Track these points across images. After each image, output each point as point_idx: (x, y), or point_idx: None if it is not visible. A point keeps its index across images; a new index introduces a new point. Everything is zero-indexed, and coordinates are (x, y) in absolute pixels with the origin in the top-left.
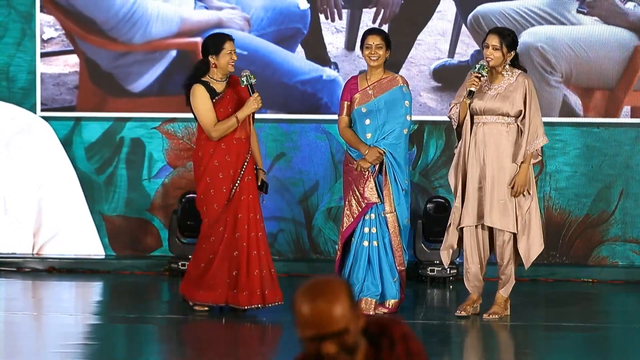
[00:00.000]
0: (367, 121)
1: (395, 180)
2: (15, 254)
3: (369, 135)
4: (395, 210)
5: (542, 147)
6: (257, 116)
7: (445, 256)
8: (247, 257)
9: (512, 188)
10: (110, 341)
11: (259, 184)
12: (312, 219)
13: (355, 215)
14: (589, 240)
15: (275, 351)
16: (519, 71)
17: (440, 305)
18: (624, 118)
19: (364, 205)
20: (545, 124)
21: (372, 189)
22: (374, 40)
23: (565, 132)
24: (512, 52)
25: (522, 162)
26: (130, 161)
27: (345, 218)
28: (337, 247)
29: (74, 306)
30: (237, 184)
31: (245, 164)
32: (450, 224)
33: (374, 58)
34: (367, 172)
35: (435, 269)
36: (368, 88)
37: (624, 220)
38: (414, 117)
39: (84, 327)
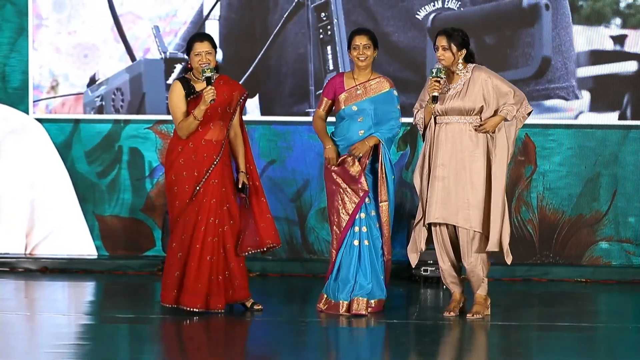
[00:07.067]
0: (360, 119)
1: (391, 170)
2: (8, 254)
3: (361, 132)
4: (388, 199)
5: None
6: (250, 117)
7: (413, 258)
8: (199, 260)
9: (481, 126)
10: (103, 341)
11: (240, 186)
12: (305, 219)
13: (350, 212)
14: (582, 240)
15: (269, 350)
16: (473, 65)
17: (433, 305)
18: (617, 119)
19: (357, 200)
20: (539, 125)
21: (364, 179)
22: (361, 41)
23: (559, 133)
24: (462, 51)
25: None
26: (124, 162)
27: (342, 215)
28: (331, 247)
29: (67, 306)
30: (200, 185)
31: (213, 166)
32: (416, 224)
33: (362, 58)
34: (356, 164)
35: (429, 268)
36: (356, 87)
37: (617, 220)
38: (408, 119)
39: (77, 327)
